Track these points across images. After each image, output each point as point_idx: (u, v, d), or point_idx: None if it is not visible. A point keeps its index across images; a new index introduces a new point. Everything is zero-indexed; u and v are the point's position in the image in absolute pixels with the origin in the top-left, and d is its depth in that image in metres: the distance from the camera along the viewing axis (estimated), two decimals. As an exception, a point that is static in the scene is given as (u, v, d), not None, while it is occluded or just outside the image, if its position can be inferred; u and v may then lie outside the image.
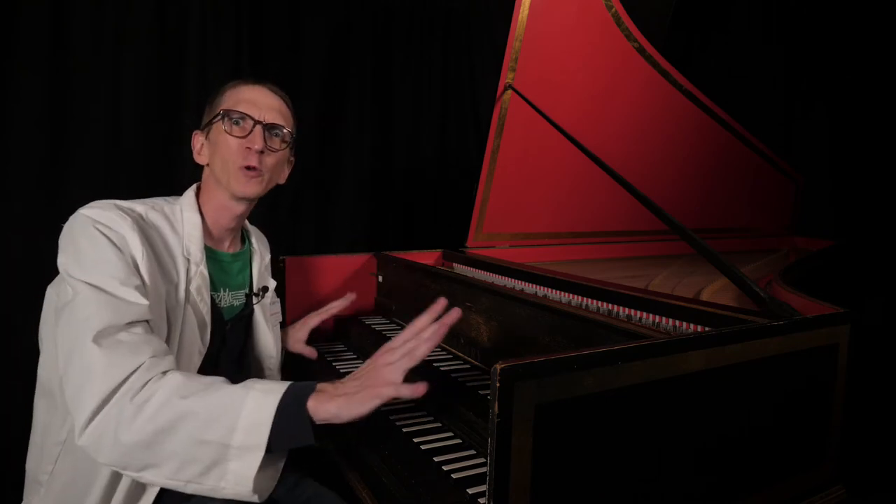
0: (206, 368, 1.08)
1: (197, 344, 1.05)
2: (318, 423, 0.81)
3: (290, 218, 2.39)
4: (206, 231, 1.14)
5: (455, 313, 0.88)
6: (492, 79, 2.55)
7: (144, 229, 0.99)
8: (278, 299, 1.40)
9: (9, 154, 1.81)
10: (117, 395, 0.79)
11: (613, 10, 1.96)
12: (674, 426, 0.82)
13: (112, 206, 0.98)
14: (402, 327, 1.72)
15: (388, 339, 1.57)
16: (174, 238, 1.06)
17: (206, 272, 1.08)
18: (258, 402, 0.79)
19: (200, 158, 1.16)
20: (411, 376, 1.33)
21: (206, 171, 1.16)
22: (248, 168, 1.09)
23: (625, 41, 2.04)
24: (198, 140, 1.17)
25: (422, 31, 2.75)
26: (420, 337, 0.86)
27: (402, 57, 2.70)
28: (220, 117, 1.10)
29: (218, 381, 0.84)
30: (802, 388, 0.99)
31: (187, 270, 1.05)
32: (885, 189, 3.01)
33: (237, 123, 1.09)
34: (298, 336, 1.48)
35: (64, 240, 0.94)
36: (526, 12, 1.74)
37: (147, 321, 0.90)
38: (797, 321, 0.97)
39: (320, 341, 1.68)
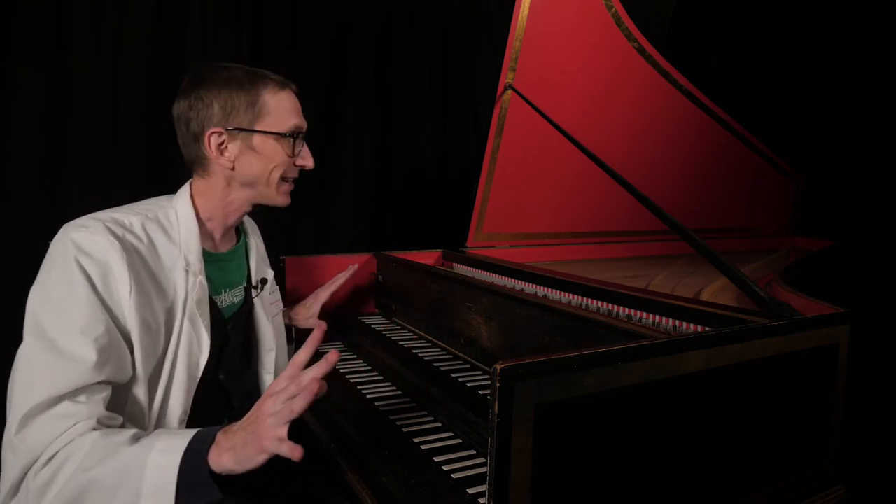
0: (210, 368, 1.06)
1: (196, 355, 1.01)
2: (221, 475, 0.78)
3: (291, 218, 2.40)
4: (205, 233, 1.09)
5: (333, 356, 0.81)
6: (492, 79, 2.55)
7: (138, 250, 0.94)
8: (277, 287, 1.35)
9: (9, 154, 1.81)
10: (28, 474, 0.79)
11: (613, 9, 1.96)
12: (674, 426, 0.82)
13: (102, 227, 0.90)
14: (402, 327, 1.73)
15: (389, 338, 1.59)
16: (172, 250, 1.00)
17: (205, 282, 1.04)
18: (159, 463, 0.77)
19: (223, 162, 1.05)
20: (412, 377, 1.33)
21: (224, 172, 1.07)
22: (293, 180, 1.13)
23: (625, 41, 2.04)
24: (218, 139, 1.04)
25: (422, 31, 2.75)
26: (300, 383, 0.79)
27: (402, 57, 2.70)
28: (278, 135, 1.06)
29: (123, 443, 0.80)
30: (802, 388, 0.99)
31: (186, 282, 1.01)
32: (885, 189, 3.01)
33: (295, 140, 1.09)
34: (310, 312, 1.52)
35: (44, 264, 0.90)
36: (526, 12, 1.74)
37: (97, 382, 0.84)
38: (797, 321, 0.97)
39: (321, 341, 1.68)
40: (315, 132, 2.42)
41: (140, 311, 0.90)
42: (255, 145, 1.07)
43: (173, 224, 1.03)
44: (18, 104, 1.82)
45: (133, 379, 0.91)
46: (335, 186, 2.54)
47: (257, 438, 0.77)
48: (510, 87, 1.81)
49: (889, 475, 2.08)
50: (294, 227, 2.43)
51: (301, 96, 1.14)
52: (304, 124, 1.11)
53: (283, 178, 1.11)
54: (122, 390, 0.91)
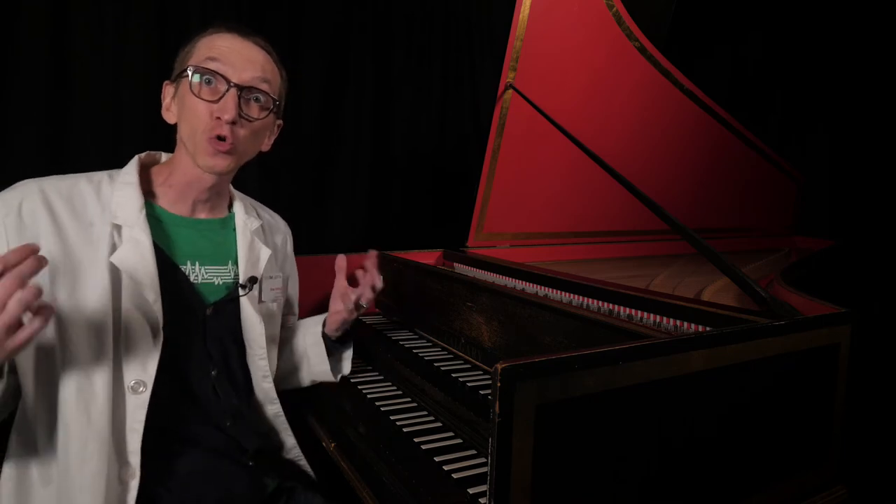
0: (198, 359, 1.00)
1: (142, 326, 0.92)
2: None
3: (290, 217, 2.38)
4: (169, 197, 1.02)
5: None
6: (492, 79, 2.55)
7: (51, 209, 0.89)
8: (281, 275, 1.24)
9: (8, 154, 1.81)
10: None
11: (615, 9, 1.96)
12: (675, 426, 0.82)
13: (14, 189, 0.89)
14: (403, 327, 1.73)
15: (390, 338, 1.59)
16: (95, 207, 0.93)
17: (143, 237, 0.93)
18: None
19: (168, 116, 1.02)
20: (413, 377, 1.33)
21: (177, 131, 1.01)
22: (218, 138, 0.95)
23: (626, 41, 2.04)
24: (167, 92, 1.02)
25: (422, 31, 2.75)
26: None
27: (402, 57, 2.70)
28: (188, 73, 0.94)
29: None
30: (803, 387, 0.99)
31: (111, 238, 0.92)
32: (885, 189, 3.01)
33: (208, 83, 0.94)
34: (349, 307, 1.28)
35: None
36: (527, 12, 1.74)
37: None
38: (798, 321, 0.97)
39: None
40: (315, 132, 2.43)
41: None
42: (179, 92, 0.97)
43: (112, 181, 0.97)
44: (18, 104, 1.81)
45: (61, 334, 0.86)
46: (335, 186, 2.54)
47: None
48: (511, 86, 1.81)
49: (890, 475, 2.08)
50: (293, 227, 2.42)
51: (262, 47, 1.02)
52: (226, 70, 0.94)
53: (215, 137, 0.94)
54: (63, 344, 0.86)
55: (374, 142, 2.63)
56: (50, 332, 0.86)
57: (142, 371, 0.92)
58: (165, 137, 2.02)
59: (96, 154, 1.94)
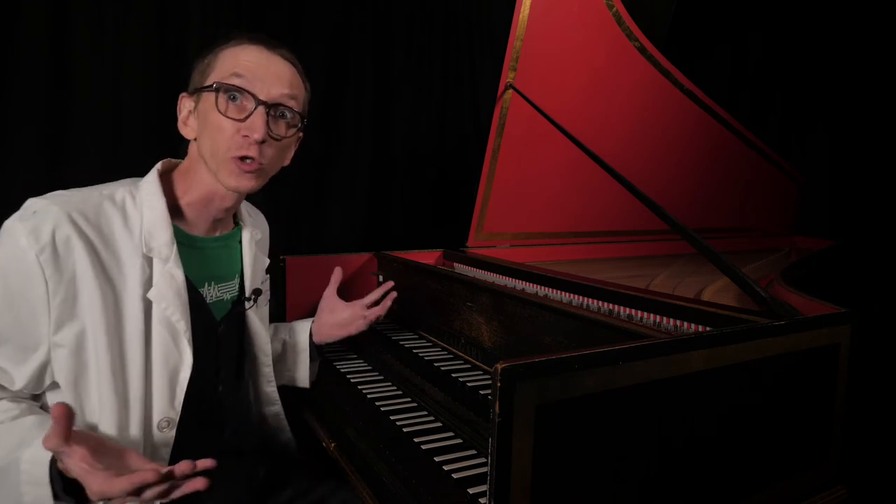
0: (208, 378, 1.00)
1: (174, 358, 0.90)
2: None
3: (290, 217, 2.39)
4: (187, 217, 0.98)
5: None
6: (492, 79, 2.55)
7: (88, 240, 0.83)
8: (268, 276, 1.20)
9: (8, 154, 1.81)
10: None
11: (615, 9, 1.96)
12: (675, 426, 0.82)
13: (33, 224, 0.80)
14: (403, 327, 1.73)
15: (390, 338, 1.59)
16: (126, 233, 0.88)
17: (178, 272, 0.90)
18: (35, 456, 0.75)
19: (186, 131, 0.95)
20: (413, 377, 1.33)
21: (192, 147, 0.96)
22: (243, 158, 0.90)
23: (626, 41, 2.04)
24: (185, 105, 0.95)
25: (422, 31, 2.75)
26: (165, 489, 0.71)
27: (402, 57, 2.70)
28: (212, 89, 0.89)
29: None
30: (803, 387, 0.99)
31: (145, 271, 0.88)
32: (885, 189, 3.01)
33: (233, 99, 0.89)
34: (341, 317, 1.38)
35: None
36: (527, 12, 1.74)
37: None
38: (798, 321, 0.97)
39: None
40: (315, 132, 2.43)
41: (69, 311, 0.82)
42: (201, 107, 0.92)
43: (136, 206, 0.90)
44: (19, 104, 1.81)
45: (87, 378, 0.84)
46: (335, 186, 2.54)
47: (108, 483, 0.70)
48: (511, 86, 1.81)
49: (890, 475, 2.08)
50: (294, 227, 2.42)
51: (289, 60, 0.96)
52: (255, 87, 0.89)
53: (238, 157, 0.90)
54: (88, 389, 0.85)
55: (374, 142, 2.63)
56: (93, 371, 0.84)
57: (169, 408, 0.91)
58: (165, 138, 2.03)
59: (96, 154, 1.94)
